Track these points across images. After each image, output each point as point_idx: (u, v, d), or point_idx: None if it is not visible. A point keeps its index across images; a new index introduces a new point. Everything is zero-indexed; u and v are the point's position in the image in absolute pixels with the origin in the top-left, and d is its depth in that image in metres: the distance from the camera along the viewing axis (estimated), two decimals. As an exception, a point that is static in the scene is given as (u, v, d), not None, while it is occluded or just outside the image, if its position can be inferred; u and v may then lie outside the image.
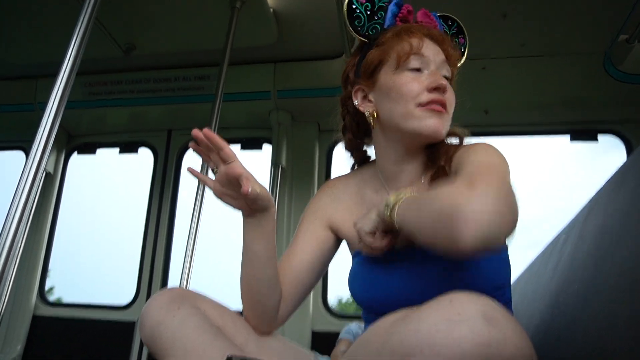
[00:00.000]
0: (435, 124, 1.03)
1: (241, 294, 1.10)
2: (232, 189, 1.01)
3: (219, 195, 1.03)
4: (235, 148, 3.14)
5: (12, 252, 1.27)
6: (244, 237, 1.06)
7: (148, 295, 2.91)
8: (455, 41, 1.17)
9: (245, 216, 1.05)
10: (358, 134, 1.22)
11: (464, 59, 1.16)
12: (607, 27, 2.27)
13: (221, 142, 0.99)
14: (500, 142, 1.47)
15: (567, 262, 1.05)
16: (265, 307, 1.09)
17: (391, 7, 1.14)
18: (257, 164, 3.15)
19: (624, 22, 2.21)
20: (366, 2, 1.15)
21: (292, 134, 2.95)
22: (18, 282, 2.98)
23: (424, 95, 1.03)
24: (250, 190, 0.95)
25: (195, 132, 1.01)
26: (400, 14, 1.13)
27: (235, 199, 1.02)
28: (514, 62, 2.53)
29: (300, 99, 2.86)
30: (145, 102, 3.04)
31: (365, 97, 1.15)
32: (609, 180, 0.94)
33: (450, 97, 1.07)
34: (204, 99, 2.90)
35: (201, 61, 2.90)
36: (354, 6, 1.15)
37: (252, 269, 1.07)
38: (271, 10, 2.40)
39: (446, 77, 1.08)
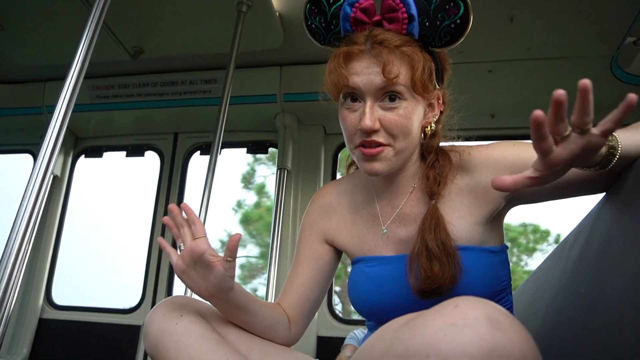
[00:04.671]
0: (369, 168, 0.99)
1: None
2: (195, 269, 0.96)
3: (180, 273, 0.97)
4: (241, 151, 3.17)
5: (20, 255, 1.28)
6: (220, 311, 1.04)
7: (153, 299, 2.92)
8: (440, 16, 0.98)
9: (208, 299, 1.00)
10: None
11: (467, 31, 0.98)
12: (614, 30, 2.26)
13: (195, 216, 0.97)
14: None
15: (573, 266, 1.04)
16: (274, 334, 1.10)
17: (343, 11, 1.02)
18: (262, 167, 3.16)
19: (631, 25, 2.19)
20: (318, 14, 1.07)
21: (298, 137, 2.95)
22: (25, 285, 3.00)
23: (357, 137, 0.99)
24: (216, 266, 0.92)
25: (172, 206, 0.99)
26: (352, 17, 1.01)
27: (194, 281, 0.97)
28: (521, 66, 2.52)
29: (306, 102, 2.86)
30: (152, 105, 3.05)
31: None
32: (617, 184, 0.93)
33: (391, 126, 0.97)
34: (210, 102, 2.92)
35: (208, 65, 2.92)
36: (309, 22, 1.09)
37: (245, 322, 1.06)
38: (277, 14, 2.41)
39: (394, 96, 0.97)
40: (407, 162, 1.07)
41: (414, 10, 0.98)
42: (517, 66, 2.53)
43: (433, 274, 0.95)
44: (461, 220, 1.03)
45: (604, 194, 0.98)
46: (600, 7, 2.14)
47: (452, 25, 0.98)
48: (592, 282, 0.90)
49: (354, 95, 1.00)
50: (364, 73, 0.97)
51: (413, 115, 0.99)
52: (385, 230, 1.09)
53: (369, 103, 0.97)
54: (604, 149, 0.79)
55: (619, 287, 0.78)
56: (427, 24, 0.99)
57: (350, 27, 1.02)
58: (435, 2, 0.98)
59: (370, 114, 0.96)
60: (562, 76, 2.52)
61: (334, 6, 1.04)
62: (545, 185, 0.78)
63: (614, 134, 0.81)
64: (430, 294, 0.96)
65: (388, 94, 0.97)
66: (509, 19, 2.25)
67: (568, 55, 2.45)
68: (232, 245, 0.92)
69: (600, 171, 0.84)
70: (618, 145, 0.81)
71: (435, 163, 1.06)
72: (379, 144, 0.97)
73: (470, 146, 1.10)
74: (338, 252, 1.22)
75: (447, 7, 0.97)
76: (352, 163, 1.23)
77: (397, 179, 1.09)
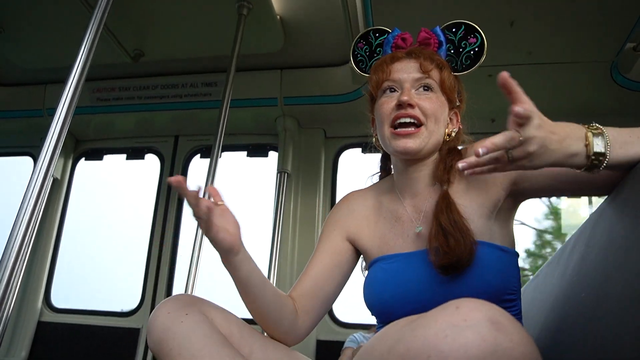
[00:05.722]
0: (402, 145, 1.10)
1: (254, 319, 1.12)
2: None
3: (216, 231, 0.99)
4: (242, 155, 3.17)
5: (19, 257, 1.28)
6: (234, 277, 1.06)
7: (153, 302, 2.91)
8: (463, 44, 1.22)
9: (224, 261, 1.04)
10: (385, 152, 1.31)
11: (483, 59, 1.20)
12: (614, 35, 2.27)
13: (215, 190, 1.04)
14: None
15: (574, 270, 1.04)
16: (278, 322, 1.11)
17: (387, 40, 1.26)
18: (263, 171, 3.16)
19: (631, 31, 2.20)
20: (364, 45, 1.32)
21: (298, 140, 2.96)
22: (24, 288, 3.00)
23: (393, 113, 1.12)
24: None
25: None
26: (393, 43, 1.24)
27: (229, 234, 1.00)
28: (521, 70, 2.52)
29: (306, 105, 2.87)
30: (153, 108, 3.06)
31: (374, 124, 1.25)
32: (617, 188, 0.93)
33: (425, 106, 1.11)
34: (210, 105, 2.92)
35: (208, 68, 2.93)
36: (355, 52, 1.33)
37: (254, 299, 1.08)
38: (278, 17, 2.42)
39: (427, 87, 1.15)
40: (430, 155, 1.16)
41: (442, 38, 1.23)
42: (517, 70, 2.50)
43: (450, 249, 1.00)
44: (473, 215, 1.08)
45: (604, 199, 0.99)
46: (600, 12, 2.15)
47: (472, 52, 1.21)
48: (592, 287, 0.90)
49: (393, 88, 1.16)
50: (404, 70, 1.16)
51: (441, 107, 1.15)
52: (420, 228, 1.13)
53: (406, 86, 1.14)
54: (584, 159, 0.87)
55: (619, 292, 0.78)
56: (452, 50, 1.23)
57: (391, 50, 1.24)
58: (460, 34, 1.23)
59: (408, 92, 1.12)
60: (562, 81, 2.53)
61: (379, 39, 1.30)
62: (545, 182, 0.89)
63: (607, 136, 0.87)
64: (449, 268, 1.00)
65: (422, 86, 1.15)
66: (509, 23, 2.26)
67: (568, 60, 2.46)
68: (212, 192, 1.03)
69: (589, 173, 0.89)
70: (607, 151, 0.86)
71: (446, 157, 1.16)
72: (414, 118, 1.10)
73: (474, 143, 1.16)
74: (357, 255, 1.25)
75: (469, 37, 1.22)
76: (385, 171, 1.33)
77: (420, 178, 1.17)
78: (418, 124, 1.11)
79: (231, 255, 1.01)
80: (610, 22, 2.20)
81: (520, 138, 0.85)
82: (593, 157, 0.86)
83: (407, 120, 1.10)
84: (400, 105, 1.10)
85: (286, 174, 2.83)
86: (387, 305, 1.10)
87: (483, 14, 2.20)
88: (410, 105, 1.10)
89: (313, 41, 2.61)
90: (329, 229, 1.26)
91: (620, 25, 2.21)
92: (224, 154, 3.08)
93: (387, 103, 1.14)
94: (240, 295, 1.09)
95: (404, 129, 1.10)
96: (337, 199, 2.85)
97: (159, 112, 3.08)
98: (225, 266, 1.05)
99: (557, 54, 2.43)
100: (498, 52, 2.47)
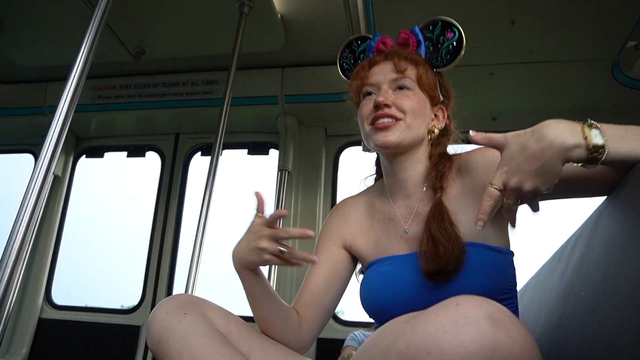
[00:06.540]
0: (381, 139, 1.14)
1: (261, 329, 1.14)
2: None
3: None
4: (242, 153, 3.18)
5: (20, 254, 1.28)
6: (251, 290, 1.09)
7: (153, 300, 2.92)
8: (442, 39, 1.24)
9: (246, 275, 1.07)
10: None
11: (462, 51, 1.21)
12: (615, 33, 2.26)
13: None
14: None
15: (574, 269, 1.04)
16: (284, 331, 1.13)
17: (369, 45, 1.30)
18: (263, 169, 3.16)
19: (633, 29, 2.20)
20: (348, 54, 1.39)
21: (299, 139, 2.96)
22: (25, 285, 3.00)
23: (371, 115, 1.16)
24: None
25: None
26: (375, 48, 1.28)
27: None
28: (522, 69, 2.52)
29: (307, 103, 2.87)
30: (154, 106, 3.06)
31: None
32: (618, 187, 0.93)
33: (403, 104, 1.15)
34: (211, 103, 2.92)
35: (209, 66, 2.93)
36: (341, 62, 1.40)
37: (262, 308, 1.11)
38: (279, 15, 2.42)
39: (402, 87, 1.17)
40: (412, 150, 1.16)
41: (421, 37, 1.26)
42: (518, 69, 2.53)
43: (438, 256, 1.01)
44: (465, 217, 1.08)
45: (605, 198, 0.99)
46: (602, 11, 2.15)
47: (451, 47, 1.23)
48: (592, 286, 0.90)
49: (371, 91, 1.20)
50: (381, 72, 1.20)
51: (421, 103, 1.17)
52: (407, 230, 1.14)
53: (384, 88, 1.17)
54: (584, 151, 0.84)
55: (619, 291, 0.78)
56: (431, 48, 1.25)
57: (372, 54, 1.28)
58: (437, 30, 1.25)
59: (384, 93, 1.16)
60: (564, 79, 2.53)
61: (361, 46, 1.36)
62: None
63: (603, 130, 0.86)
64: (436, 275, 1.01)
65: (399, 85, 1.18)
66: (511, 22, 2.26)
67: (569, 59, 2.45)
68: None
69: (589, 167, 0.87)
70: (605, 143, 0.84)
71: (438, 163, 1.16)
72: (392, 117, 1.13)
73: (470, 150, 1.18)
74: (354, 261, 1.26)
75: (446, 32, 1.24)
76: (371, 185, 1.33)
77: (408, 179, 1.18)
78: (396, 119, 1.14)
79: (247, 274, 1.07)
80: (611, 20, 2.20)
81: (495, 187, 0.88)
82: (593, 149, 0.84)
83: (385, 120, 1.13)
84: (377, 107, 1.14)
85: (287, 172, 2.83)
86: (383, 307, 1.10)
87: (484, 13, 2.20)
88: (387, 105, 1.13)
89: (314, 39, 2.61)
90: (324, 239, 1.27)
91: (621, 24, 2.20)
92: (225, 151, 3.08)
93: (367, 105, 1.18)
94: (251, 306, 1.11)
95: (382, 123, 1.13)
96: (338, 198, 2.87)
97: (159, 110, 3.08)
98: (246, 279, 1.08)
99: (558, 52, 2.43)
100: (499, 50, 2.47)
